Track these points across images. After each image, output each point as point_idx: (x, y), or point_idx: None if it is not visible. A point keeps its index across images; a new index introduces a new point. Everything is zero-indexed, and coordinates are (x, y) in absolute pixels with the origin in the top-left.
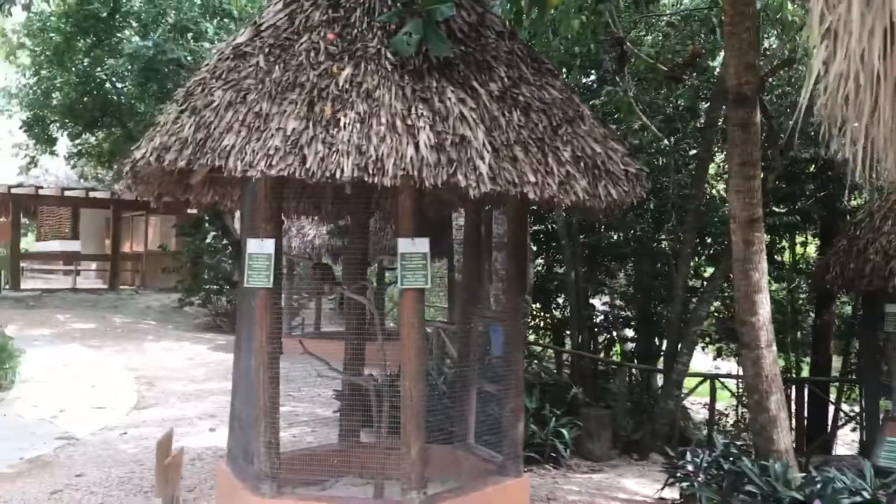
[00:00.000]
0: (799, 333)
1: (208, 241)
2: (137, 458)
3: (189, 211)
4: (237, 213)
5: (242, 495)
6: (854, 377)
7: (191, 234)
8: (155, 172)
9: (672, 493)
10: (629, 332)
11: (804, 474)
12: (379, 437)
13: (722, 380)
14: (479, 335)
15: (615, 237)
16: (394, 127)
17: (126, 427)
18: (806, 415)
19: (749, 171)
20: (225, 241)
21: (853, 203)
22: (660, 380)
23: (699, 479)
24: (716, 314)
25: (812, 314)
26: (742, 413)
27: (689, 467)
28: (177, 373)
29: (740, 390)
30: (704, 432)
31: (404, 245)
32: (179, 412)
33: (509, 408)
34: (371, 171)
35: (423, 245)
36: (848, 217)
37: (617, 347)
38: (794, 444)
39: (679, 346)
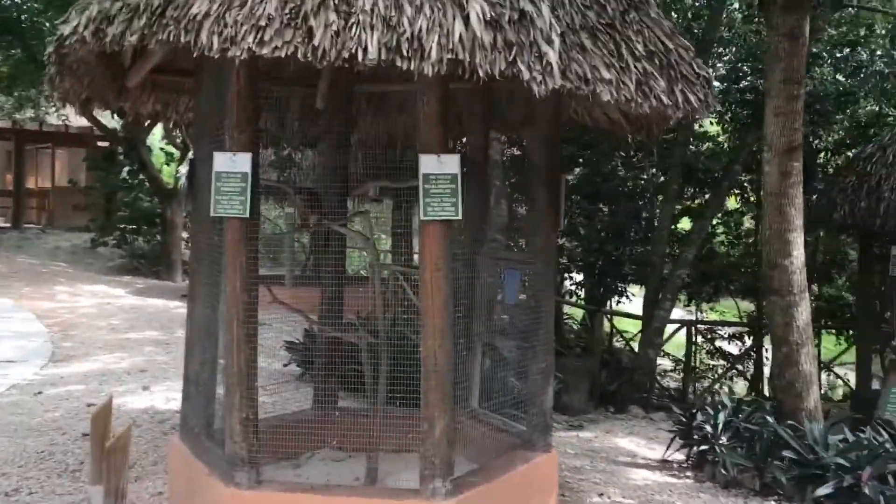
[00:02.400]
0: None
1: (123, 176)
2: (59, 426)
3: (100, 143)
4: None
5: (210, 484)
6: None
7: (103, 168)
8: (88, 59)
9: (677, 455)
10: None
11: (841, 437)
12: (370, 405)
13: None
14: (488, 279)
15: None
16: None
17: (41, 385)
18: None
19: (793, 89)
20: (142, 177)
21: (830, 139)
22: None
23: (721, 441)
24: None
25: None
26: (707, 362)
27: (707, 428)
28: (95, 320)
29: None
30: (673, 384)
31: (428, 163)
32: (103, 366)
33: (536, 368)
34: (406, 53)
35: (452, 164)
36: (824, 155)
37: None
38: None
39: (660, 291)
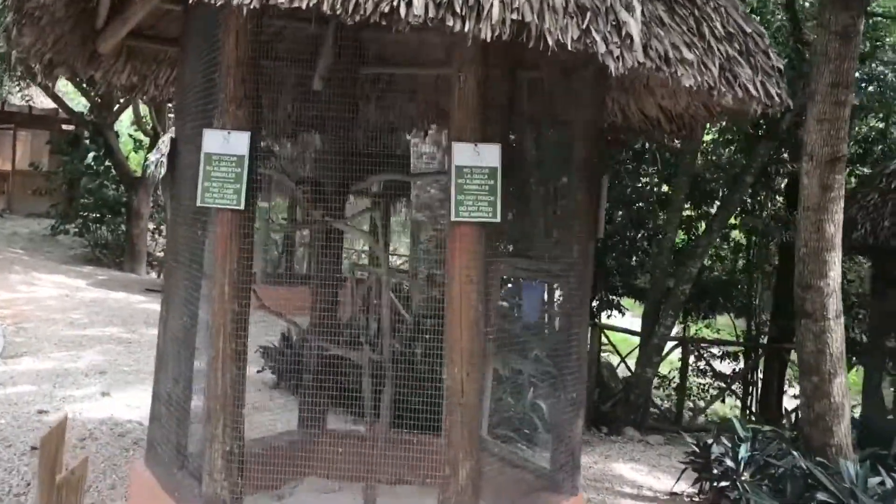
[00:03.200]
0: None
1: (88, 161)
2: (4, 436)
3: (65, 127)
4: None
5: None
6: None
7: (67, 152)
8: (55, 7)
9: (687, 487)
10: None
11: (879, 479)
12: (370, 429)
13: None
14: (504, 291)
15: None
16: None
17: None
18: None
19: (841, 94)
20: (108, 163)
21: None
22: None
23: (744, 477)
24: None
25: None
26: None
27: (728, 462)
28: (52, 313)
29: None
30: (660, 401)
31: (463, 154)
32: (59, 365)
33: (566, 400)
34: (459, 11)
35: (491, 155)
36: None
37: None
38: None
39: (661, 307)
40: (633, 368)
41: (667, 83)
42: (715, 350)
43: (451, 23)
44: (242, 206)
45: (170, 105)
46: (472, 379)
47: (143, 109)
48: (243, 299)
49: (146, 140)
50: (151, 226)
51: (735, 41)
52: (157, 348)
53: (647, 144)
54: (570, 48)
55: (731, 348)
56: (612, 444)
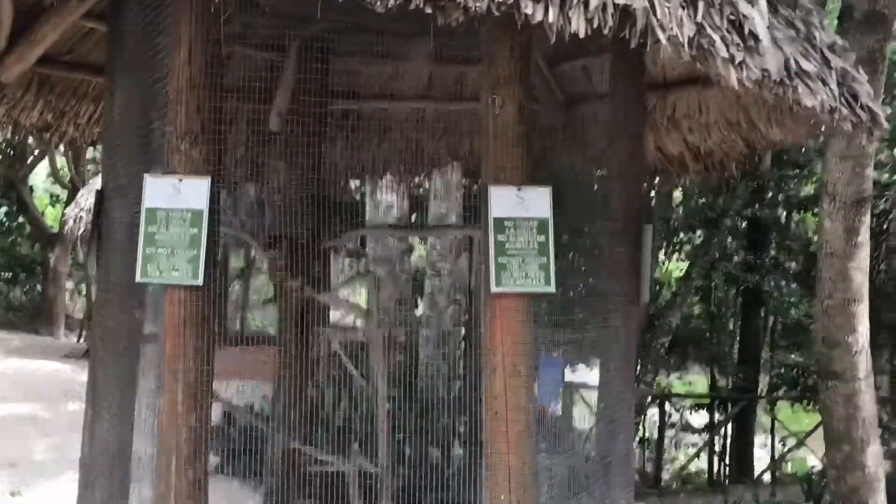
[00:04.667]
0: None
1: (0, 218)
2: None
3: None
4: (39, 183)
5: None
6: None
7: None
8: None
9: None
10: None
11: None
12: None
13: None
14: None
15: None
16: None
17: None
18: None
19: None
20: (21, 219)
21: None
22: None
23: None
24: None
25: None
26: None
27: None
28: None
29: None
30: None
31: (502, 202)
32: None
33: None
34: None
35: (540, 202)
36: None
37: None
38: None
39: (640, 361)
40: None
41: (786, 101)
42: (686, 403)
43: (528, 9)
44: (201, 281)
45: (92, 149)
46: (528, 496)
47: (60, 161)
48: (203, 409)
49: (63, 194)
50: (70, 285)
51: (836, 51)
52: (80, 461)
53: None
54: (685, 53)
55: (702, 401)
56: None
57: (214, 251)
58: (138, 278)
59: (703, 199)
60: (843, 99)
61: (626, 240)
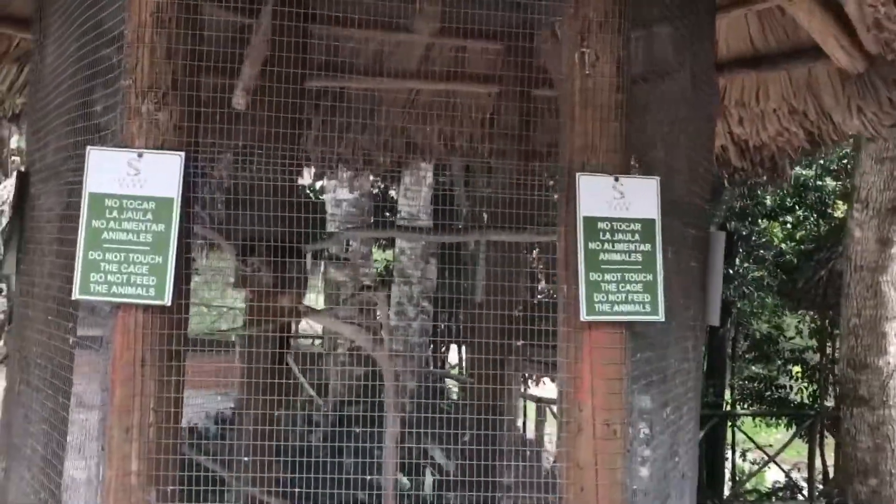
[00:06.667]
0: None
1: None
2: None
3: None
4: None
5: None
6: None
7: None
8: None
9: None
10: None
11: None
12: None
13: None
14: None
15: None
16: None
17: None
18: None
19: None
20: None
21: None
22: None
23: None
24: None
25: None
26: None
27: None
28: None
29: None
30: None
31: (594, 195)
32: None
33: None
34: None
35: (645, 198)
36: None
37: None
38: None
39: None
40: None
41: None
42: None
43: None
44: (167, 300)
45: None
46: None
47: None
48: (169, 480)
49: None
50: None
51: None
52: None
53: None
54: None
55: None
56: None
57: (189, 257)
58: (76, 294)
59: None
60: None
61: (696, 249)
